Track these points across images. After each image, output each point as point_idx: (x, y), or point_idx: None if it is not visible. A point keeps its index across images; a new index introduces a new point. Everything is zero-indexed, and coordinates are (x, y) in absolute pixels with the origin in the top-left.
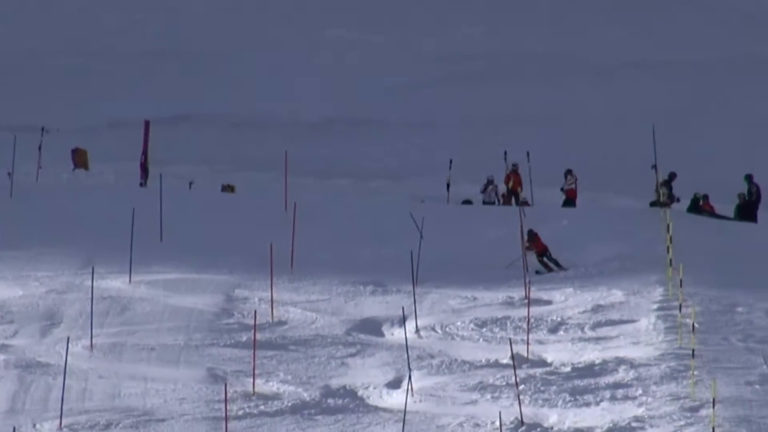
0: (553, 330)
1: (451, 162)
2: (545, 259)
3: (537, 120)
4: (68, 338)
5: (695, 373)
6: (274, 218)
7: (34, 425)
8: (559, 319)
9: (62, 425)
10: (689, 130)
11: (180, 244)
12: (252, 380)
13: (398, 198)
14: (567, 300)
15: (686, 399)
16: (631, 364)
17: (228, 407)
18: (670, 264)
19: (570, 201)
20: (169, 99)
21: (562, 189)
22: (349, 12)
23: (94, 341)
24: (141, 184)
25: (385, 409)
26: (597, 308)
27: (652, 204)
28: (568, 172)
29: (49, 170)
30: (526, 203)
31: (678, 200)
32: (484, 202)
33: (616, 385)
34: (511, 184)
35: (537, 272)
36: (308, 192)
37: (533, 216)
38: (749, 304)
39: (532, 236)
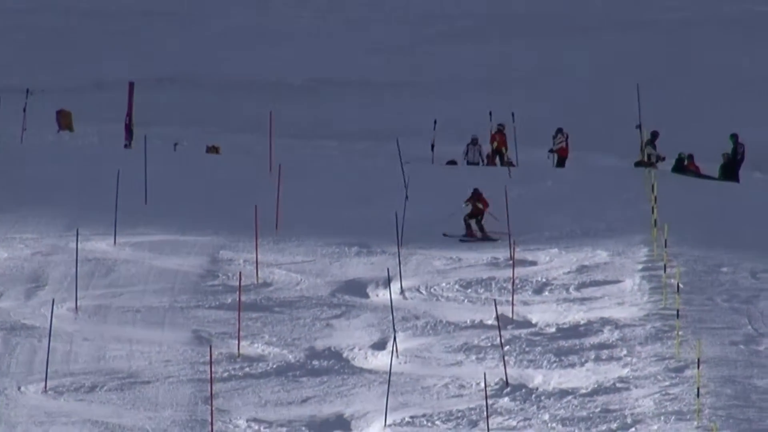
0: (538, 291)
1: (435, 122)
2: (474, 221)
3: (521, 80)
4: (53, 300)
5: (680, 333)
6: (259, 180)
7: (19, 388)
8: (543, 279)
9: (47, 387)
10: (674, 89)
11: (165, 206)
12: (237, 342)
13: (383, 159)
14: (552, 261)
15: (671, 359)
16: (616, 325)
17: (213, 369)
18: (655, 224)
19: (561, 160)
20: (153, 60)
21: (550, 150)
22: None
23: (79, 303)
24: (126, 146)
25: (370, 371)
26: (582, 269)
27: (637, 164)
28: (559, 130)
29: (34, 132)
30: (511, 163)
31: (664, 158)
32: (468, 163)
33: (601, 346)
34: (495, 144)
35: (461, 239)
36: (293, 153)
37: (518, 176)
38: (734, 264)
39: (476, 196)
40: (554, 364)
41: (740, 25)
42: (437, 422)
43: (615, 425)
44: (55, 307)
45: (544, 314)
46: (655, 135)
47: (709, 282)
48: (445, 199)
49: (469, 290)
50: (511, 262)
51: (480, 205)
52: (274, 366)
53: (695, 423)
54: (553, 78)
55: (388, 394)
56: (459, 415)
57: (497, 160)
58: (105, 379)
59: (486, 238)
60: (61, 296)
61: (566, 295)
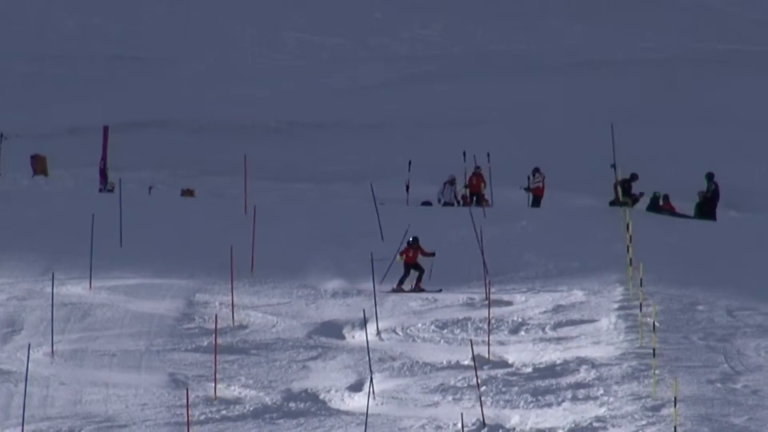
0: (514, 331)
1: (410, 163)
2: (411, 270)
3: (495, 120)
4: (29, 345)
5: (656, 372)
6: (234, 222)
7: None
8: (519, 319)
9: None
10: (649, 128)
11: (140, 249)
12: (214, 385)
13: (358, 200)
14: (527, 300)
15: (648, 398)
16: (593, 364)
17: (190, 412)
18: (630, 263)
19: (537, 199)
20: (127, 104)
21: (526, 188)
22: (306, 14)
23: (55, 348)
24: (100, 190)
25: (347, 412)
26: (558, 308)
27: (612, 203)
28: (536, 170)
29: (8, 176)
30: (486, 203)
31: (641, 195)
32: (444, 204)
33: (578, 385)
34: (470, 189)
35: (393, 290)
36: (268, 195)
37: (493, 216)
38: (710, 303)
39: (415, 243)
40: (531, 404)
41: (713, 63)
42: None
43: None
44: (31, 351)
45: (521, 354)
46: (634, 177)
47: (685, 320)
48: (421, 240)
49: (445, 331)
50: (486, 302)
51: (410, 254)
52: (251, 408)
53: None
54: (528, 117)
55: None
56: None
57: (473, 200)
58: (82, 423)
59: (418, 289)
60: (37, 340)
61: (542, 334)
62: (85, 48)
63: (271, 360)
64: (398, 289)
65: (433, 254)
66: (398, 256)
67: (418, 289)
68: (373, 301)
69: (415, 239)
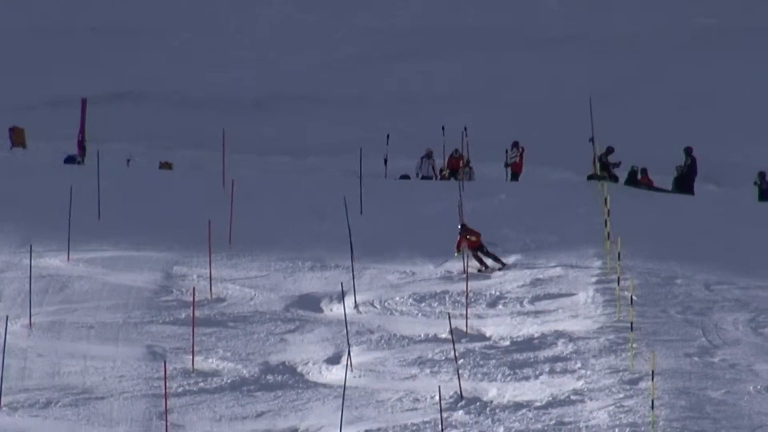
0: (492, 304)
1: (388, 137)
2: (479, 253)
3: (474, 94)
4: (7, 317)
5: (634, 345)
6: (212, 195)
7: None
8: (497, 293)
9: (2, 404)
10: (626, 102)
11: (118, 222)
12: (191, 357)
13: (336, 174)
14: (505, 274)
15: (625, 372)
16: (570, 338)
17: (167, 384)
18: (608, 237)
19: (515, 174)
20: (105, 76)
21: (505, 164)
22: None
23: (33, 320)
24: (78, 162)
25: (324, 385)
26: (535, 282)
27: (590, 177)
28: (515, 144)
29: None
30: (470, 177)
31: (618, 164)
32: (423, 177)
33: (555, 359)
34: (448, 171)
35: (479, 270)
36: (246, 169)
37: (471, 190)
38: (687, 277)
39: (464, 229)
40: (508, 377)
41: (692, 39)
42: None
43: None
44: (8, 323)
45: (498, 327)
46: (610, 150)
47: (662, 294)
48: (399, 213)
49: (423, 304)
50: (464, 275)
51: (473, 238)
52: (229, 381)
53: None
54: (506, 92)
55: (343, 408)
56: (414, 428)
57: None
58: (59, 395)
59: (499, 262)
60: (14, 313)
61: (520, 308)
62: (63, 20)
63: (248, 333)
64: (485, 267)
65: (479, 234)
66: (456, 252)
67: (503, 265)
68: (350, 274)
69: (463, 226)
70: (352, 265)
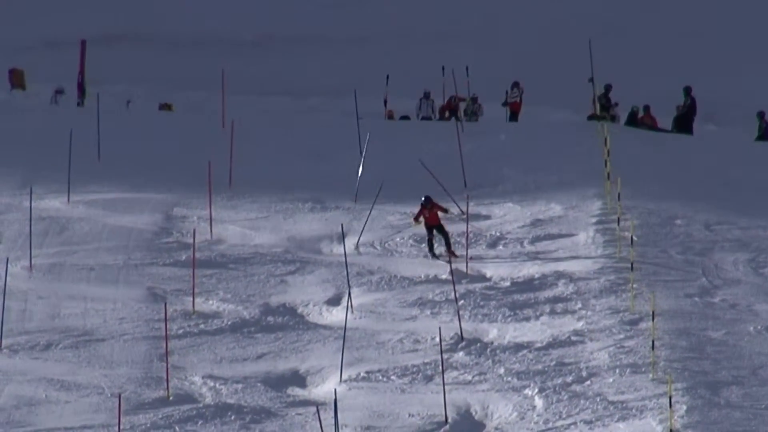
0: (492, 245)
1: (388, 78)
2: (434, 232)
3: (474, 33)
4: (7, 259)
5: (634, 286)
6: (212, 137)
7: None
8: (498, 234)
9: (2, 346)
10: (626, 42)
11: (118, 164)
12: (192, 299)
13: (336, 115)
14: (506, 215)
15: (626, 312)
16: (571, 278)
17: (168, 326)
18: (608, 177)
19: (514, 114)
20: (104, 18)
21: (504, 103)
22: None
23: (33, 262)
24: (78, 104)
25: (324, 326)
26: (536, 223)
27: (590, 118)
28: (515, 84)
29: None
30: (474, 113)
31: (616, 104)
32: (422, 118)
33: (556, 300)
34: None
35: (430, 252)
36: (246, 110)
37: (471, 130)
38: (688, 217)
39: (428, 203)
40: (509, 318)
41: None
42: (392, 377)
43: (570, 378)
44: (9, 265)
45: (499, 268)
46: (608, 88)
47: (663, 234)
48: (399, 154)
49: (424, 245)
50: (464, 216)
51: (427, 215)
52: (229, 323)
53: (650, 375)
54: (506, 31)
55: (344, 349)
56: (414, 369)
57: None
58: (60, 337)
59: (449, 252)
60: (15, 255)
61: (520, 249)
62: None
63: (249, 274)
64: (432, 256)
65: (447, 210)
66: (413, 222)
67: (451, 255)
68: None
69: (428, 199)
70: (372, 204)
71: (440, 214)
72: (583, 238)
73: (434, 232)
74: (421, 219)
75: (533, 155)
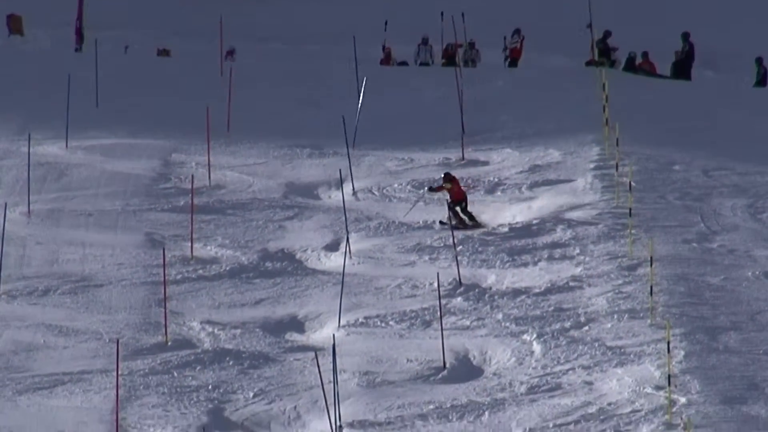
0: (491, 191)
1: (386, 23)
2: (458, 209)
3: None
4: (6, 204)
5: (632, 231)
6: (210, 83)
7: None
8: (496, 179)
9: (0, 292)
10: None
11: (116, 109)
12: (190, 244)
13: (334, 61)
14: (504, 160)
15: (624, 258)
16: (569, 224)
17: (166, 272)
18: (607, 123)
19: (514, 61)
20: None
21: (504, 48)
22: None
23: (31, 207)
24: (76, 49)
25: (323, 272)
26: (534, 168)
27: (588, 63)
28: (516, 31)
29: None
30: (473, 61)
31: (616, 49)
32: (421, 64)
33: (554, 245)
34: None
35: (441, 222)
36: (244, 57)
37: (469, 76)
38: (686, 162)
39: (449, 179)
40: (507, 264)
41: None
42: (391, 322)
43: (568, 324)
44: (7, 211)
45: (497, 214)
46: (607, 34)
47: (661, 180)
48: (397, 100)
49: (422, 191)
50: (462, 162)
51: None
52: (228, 268)
53: (648, 321)
54: None
55: (342, 294)
56: (412, 315)
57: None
58: (58, 282)
59: (475, 222)
60: (13, 200)
61: (519, 194)
62: None
63: (247, 220)
64: (461, 226)
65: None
66: (430, 192)
67: (475, 222)
68: (348, 161)
69: (447, 174)
70: (349, 152)
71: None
72: (581, 183)
73: (456, 208)
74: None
75: (531, 101)
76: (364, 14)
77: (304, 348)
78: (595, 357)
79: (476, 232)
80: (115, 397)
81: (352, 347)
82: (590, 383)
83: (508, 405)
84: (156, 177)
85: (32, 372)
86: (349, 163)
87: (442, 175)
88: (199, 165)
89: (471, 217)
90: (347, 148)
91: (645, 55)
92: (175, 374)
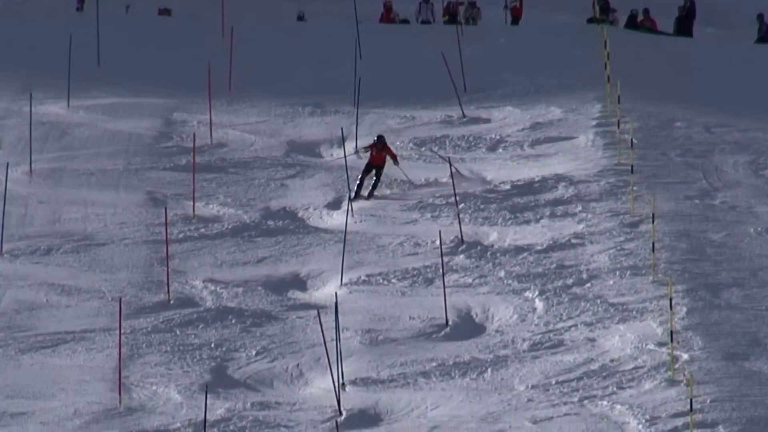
0: (492, 148)
1: None
2: (374, 172)
3: None
4: (7, 164)
5: (634, 188)
6: (212, 42)
7: None
8: (498, 137)
9: (3, 251)
10: None
11: (117, 69)
12: (192, 203)
13: (336, 20)
14: (506, 118)
15: (626, 215)
16: (571, 181)
17: (168, 230)
18: (608, 80)
19: (515, 19)
20: None
21: (505, 6)
22: None
23: (33, 167)
24: (78, 9)
25: (325, 230)
26: (536, 126)
27: (590, 21)
28: None
29: None
30: (473, 19)
31: (615, 10)
32: (422, 22)
33: (556, 202)
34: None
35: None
36: (245, 16)
37: (471, 34)
38: (688, 119)
39: (380, 142)
40: (509, 221)
41: None
42: (393, 280)
43: (570, 281)
44: (9, 170)
45: (499, 171)
46: None
47: (663, 137)
48: (399, 58)
49: (424, 148)
50: (464, 119)
51: (375, 153)
52: (230, 227)
53: (650, 278)
54: None
55: (344, 253)
56: (414, 273)
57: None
58: (61, 241)
59: (372, 194)
60: (15, 160)
61: (520, 152)
62: None
63: (249, 178)
64: (357, 198)
65: (397, 161)
66: (359, 151)
67: (370, 197)
68: (350, 119)
69: (381, 138)
70: (357, 110)
71: (388, 158)
72: (583, 141)
73: (373, 172)
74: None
75: (533, 59)
76: None
77: (307, 306)
78: (597, 314)
79: (478, 189)
80: (117, 355)
81: (354, 305)
82: (592, 340)
83: (511, 362)
84: (158, 136)
85: (35, 331)
86: (357, 120)
87: (376, 137)
88: (201, 124)
89: (372, 187)
90: (356, 106)
91: (646, 12)
92: (178, 333)
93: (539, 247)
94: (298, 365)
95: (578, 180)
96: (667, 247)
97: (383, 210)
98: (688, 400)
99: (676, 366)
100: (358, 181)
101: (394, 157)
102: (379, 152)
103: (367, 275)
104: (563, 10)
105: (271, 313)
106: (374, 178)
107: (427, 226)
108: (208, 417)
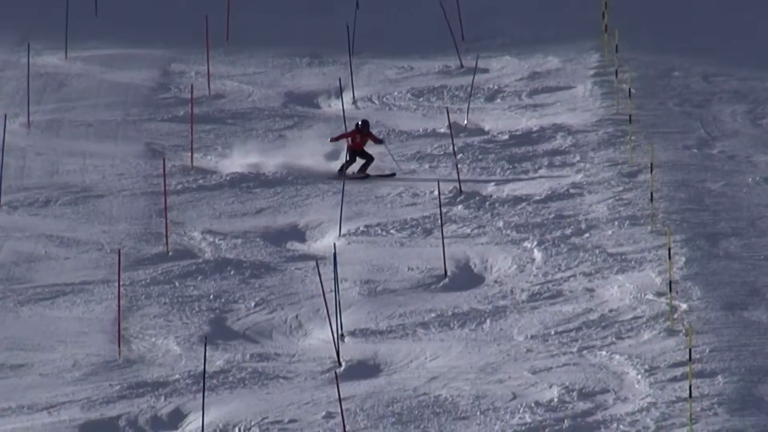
0: (490, 98)
1: None
2: (357, 157)
3: None
4: (5, 115)
5: (633, 138)
6: None
7: None
8: (495, 87)
9: (1, 203)
10: None
11: (115, 19)
12: (190, 154)
13: None
14: (503, 68)
15: (624, 164)
16: (569, 131)
17: (166, 182)
18: (606, 30)
19: None
20: None
21: None
22: None
23: (31, 118)
24: None
25: (323, 181)
26: (533, 75)
27: None
28: None
29: None
30: None
31: None
32: None
33: (554, 152)
34: None
35: (340, 170)
36: None
37: None
38: (686, 69)
39: (365, 128)
40: (507, 171)
41: None
42: (392, 231)
43: (569, 231)
44: (7, 122)
45: (497, 121)
46: None
47: (661, 86)
48: (397, 7)
49: (421, 99)
50: (462, 69)
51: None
52: (228, 178)
53: (649, 227)
54: None
55: (342, 203)
56: (413, 223)
57: None
58: (59, 193)
59: (360, 174)
60: (13, 111)
61: (518, 101)
62: None
63: (247, 129)
64: (340, 176)
65: (382, 141)
66: (331, 139)
67: (362, 174)
68: (348, 69)
69: (365, 123)
70: (350, 60)
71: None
72: (581, 90)
73: (357, 158)
74: (343, 140)
75: (530, 8)
76: None
77: (305, 257)
78: (596, 264)
79: (477, 140)
80: (116, 307)
81: (353, 256)
82: (591, 290)
83: (510, 312)
84: (155, 87)
85: (33, 283)
86: (351, 71)
87: (360, 122)
88: (199, 74)
89: (363, 167)
90: (349, 57)
91: None
92: (177, 284)
93: (538, 198)
94: (297, 316)
95: (576, 130)
96: (666, 196)
97: (381, 160)
98: (687, 350)
99: (675, 316)
100: (343, 165)
101: (377, 140)
102: (362, 138)
103: (366, 226)
104: None
105: (270, 264)
106: (364, 160)
107: (426, 176)
108: (207, 368)
